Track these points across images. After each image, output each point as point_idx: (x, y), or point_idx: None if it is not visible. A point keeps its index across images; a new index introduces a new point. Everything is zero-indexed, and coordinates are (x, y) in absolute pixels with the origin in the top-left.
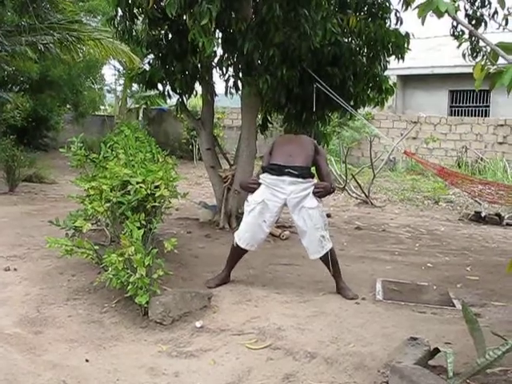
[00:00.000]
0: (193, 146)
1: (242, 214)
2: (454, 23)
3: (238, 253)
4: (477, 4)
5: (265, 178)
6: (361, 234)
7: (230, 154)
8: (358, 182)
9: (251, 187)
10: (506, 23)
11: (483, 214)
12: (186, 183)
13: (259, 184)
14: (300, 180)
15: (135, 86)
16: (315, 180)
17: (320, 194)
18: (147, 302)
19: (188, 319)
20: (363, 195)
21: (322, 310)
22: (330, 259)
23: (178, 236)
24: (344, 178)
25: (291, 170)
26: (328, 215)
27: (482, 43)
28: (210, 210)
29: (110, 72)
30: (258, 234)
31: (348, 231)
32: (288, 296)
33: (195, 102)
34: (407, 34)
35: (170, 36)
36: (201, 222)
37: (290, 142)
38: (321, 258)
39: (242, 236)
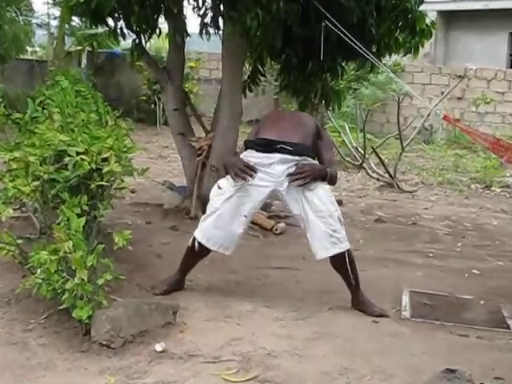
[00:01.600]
0: (155, 105)
1: None
2: None
3: (197, 254)
4: None
5: (249, 155)
6: (383, 228)
7: (207, 117)
8: (380, 158)
9: (242, 173)
10: None
11: None
12: (146, 156)
13: (256, 171)
14: (294, 158)
15: (76, 20)
16: (316, 162)
17: (303, 176)
18: (89, 317)
19: (145, 340)
20: (387, 176)
21: (327, 330)
22: (347, 263)
23: (134, 227)
24: (362, 152)
25: (284, 146)
26: (339, 202)
27: None
28: (177, 193)
29: None
30: (235, 232)
31: (365, 224)
32: (282, 311)
33: (159, 44)
34: None
35: None
36: (165, 209)
37: (285, 117)
38: (332, 261)
39: (211, 234)
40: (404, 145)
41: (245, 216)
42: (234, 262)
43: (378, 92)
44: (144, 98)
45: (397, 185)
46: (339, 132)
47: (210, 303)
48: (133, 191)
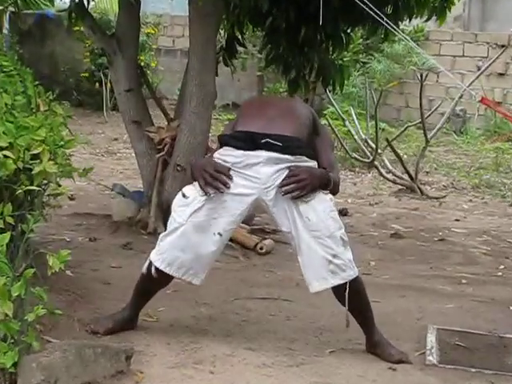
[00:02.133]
0: (101, 84)
1: None
2: None
3: (154, 283)
4: None
5: (224, 154)
6: (401, 246)
7: (169, 101)
8: (397, 154)
9: (214, 181)
10: None
11: None
12: (90, 151)
13: (232, 178)
14: (286, 157)
15: None
16: (315, 162)
17: (299, 186)
18: (15, 365)
19: None
20: (406, 177)
21: (328, 380)
22: (354, 295)
23: (75, 246)
24: (373, 145)
25: (271, 141)
26: (343, 212)
27: None
28: (131, 201)
29: None
30: (205, 254)
31: (379, 241)
32: (268, 355)
33: (106, 4)
34: None
35: None
36: (115, 222)
37: (272, 104)
38: (334, 292)
39: (173, 257)
40: (429, 136)
41: (219, 234)
42: (206, 290)
43: (393, 67)
44: (86, 74)
45: (419, 189)
46: (343, 120)
47: (174, 345)
48: (72, 198)
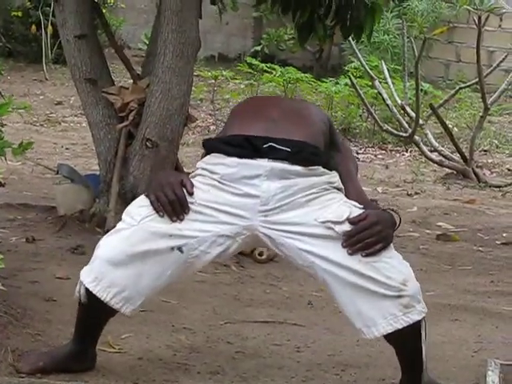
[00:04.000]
0: (40, 26)
1: None
2: None
3: (94, 311)
4: None
5: (211, 163)
6: (451, 251)
7: (133, 50)
8: (445, 126)
9: (169, 206)
10: None
11: None
12: (25, 120)
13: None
14: (296, 168)
15: None
16: (335, 173)
17: (373, 241)
18: None
19: None
20: (457, 157)
21: None
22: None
23: (6, 249)
24: (412, 113)
25: (276, 145)
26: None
27: None
28: (82, 188)
29: None
30: (151, 275)
31: (421, 245)
32: None
33: None
34: None
35: None
36: (61, 217)
37: (276, 104)
38: (393, 337)
39: (103, 270)
40: (488, 102)
41: (179, 250)
42: (188, 311)
43: (440, 7)
44: (18, 14)
45: (475, 174)
46: (371, 78)
47: None
48: (2, 184)
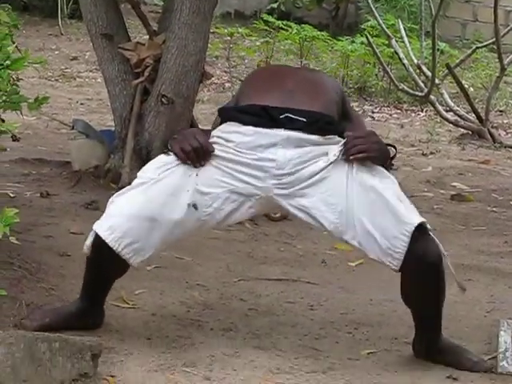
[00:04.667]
0: None
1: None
2: None
3: (104, 266)
4: None
5: (227, 131)
6: (465, 211)
7: (149, 6)
8: (461, 86)
9: (194, 154)
10: None
11: None
12: (40, 75)
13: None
14: (312, 137)
15: None
16: None
17: (364, 148)
18: None
19: None
20: (473, 117)
21: None
22: (439, 271)
23: (21, 203)
24: (428, 73)
25: (292, 116)
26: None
27: None
28: (97, 143)
29: None
30: (165, 225)
31: (435, 205)
32: (285, 357)
33: None
34: None
35: None
36: (76, 172)
37: (290, 74)
38: (411, 258)
39: (120, 221)
40: (505, 62)
41: (194, 206)
42: (201, 268)
43: None
44: None
45: (490, 134)
46: (388, 37)
47: (157, 341)
48: (17, 138)
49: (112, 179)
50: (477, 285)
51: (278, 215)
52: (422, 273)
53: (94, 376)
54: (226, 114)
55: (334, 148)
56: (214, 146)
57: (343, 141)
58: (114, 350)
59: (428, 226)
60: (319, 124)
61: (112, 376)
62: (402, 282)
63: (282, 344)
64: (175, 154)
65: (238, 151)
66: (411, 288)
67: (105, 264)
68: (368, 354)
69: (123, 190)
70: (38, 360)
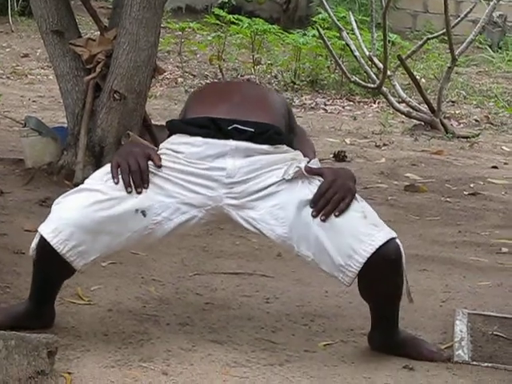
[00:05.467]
0: None
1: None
2: None
3: (51, 269)
4: None
5: (175, 142)
6: (419, 202)
7: (99, 1)
8: (413, 77)
9: (134, 174)
10: None
11: None
12: None
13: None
14: (261, 147)
15: None
16: (299, 152)
17: (339, 198)
18: None
19: None
20: (425, 108)
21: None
22: (399, 268)
23: None
24: (380, 65)
25: (240, 126)
26: (339, 157)
27: None
28: (50, 140)
29: None
30: (111, 232)
31: (389, 196)
32: (242, 350)
33: None
34: None
35: None
36: (28, 169)
37: (237, 89)
38: (375, 264)
39: (75, 234)
40: (456, 53)
41: (142, 213)
42: (156, 263)
43: None
44: None
45: (442, 125)
46: (339, 30)
47: (114, 337)
48: None
49: (65, 176)
50: (432, 275)
51: None
52: (380, 272)
53: (50, 373)
54: (174, 127)
55: (289, 164)
56: (163, 157)
57: (299, 160)
58: (71, 347)
59: (393, 235)
60: (268, 134)
61: (69, 373)
62: (360, 280)
63: (239, 337)
64: (110, 168)
65: (187, 162)
66: (369, 285)
67: (50, 266)
68: (324, 345)
69: (69, 191)
70: (2, 361)
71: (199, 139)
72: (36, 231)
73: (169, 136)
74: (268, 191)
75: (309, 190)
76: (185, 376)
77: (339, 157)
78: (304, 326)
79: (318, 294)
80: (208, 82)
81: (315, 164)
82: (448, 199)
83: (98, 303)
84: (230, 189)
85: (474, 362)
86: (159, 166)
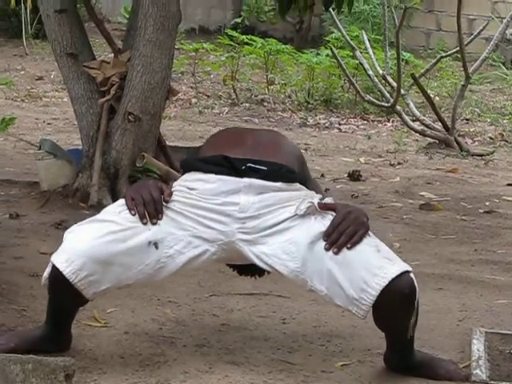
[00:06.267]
0: (21, 2)
1: (142, 171)
2: None
3: (64, 298)
4: None
5: (189, 180)
6: (434, 220)
7: (113, 24)
8: (426, 95)
9: (150, 207)
10: None
11: None
12: (8, 95)
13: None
14: (274, 184)
15: None
16: (313, 192)
17: (352, 232)
18: None
19: None
20: (440, 126)
21: None
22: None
23: None
24: (394, 83)
25: (254, 165)
26: (354, 176)
27: None
28: (65, 163)
29: None
30: (123, 264)
31: (404, 215)
32: (259, 371)
33: None
34: None
35: None
36: (44, 192)
37: (252, 135)
38: (387, 298)
39: (87, 264)
40: (469, 71)
41: (154, 245)
42: (173, 285)
43: None
44: None
45: (457, 143)
46: (352, 49)
47: (131, 359)
48: None
49: (81, 198)
50: (448, 294)
51: None
52: (394, 305)
53: None
54: (188, 165)
55: (301, 200)
56: (176, 193)
57: (312, 196)
58: (88, 370)
59: (408, 269)
60: (281, 172)
61: None
62: (374, 311)
63: (256, 358)
64: (125, 201)
65: (200, 197)
66: (383, 317)
67: (64, 295)
68: (342, 365)
69: (83, 221)
70: (11, 382)
71: (213, 176)
72: (52, 254)
73: (182, 174)
74: (281, 227)
75: (322, 224)
76: None
77: (354, 176)
78: (321, 346)
79: (335, 314)
80: (222, 102)
81: (329, 200)
82: (463, 217)
83: (115, 325)
84: (242, 224)
85: (492, 382)
86: (167, 202)
